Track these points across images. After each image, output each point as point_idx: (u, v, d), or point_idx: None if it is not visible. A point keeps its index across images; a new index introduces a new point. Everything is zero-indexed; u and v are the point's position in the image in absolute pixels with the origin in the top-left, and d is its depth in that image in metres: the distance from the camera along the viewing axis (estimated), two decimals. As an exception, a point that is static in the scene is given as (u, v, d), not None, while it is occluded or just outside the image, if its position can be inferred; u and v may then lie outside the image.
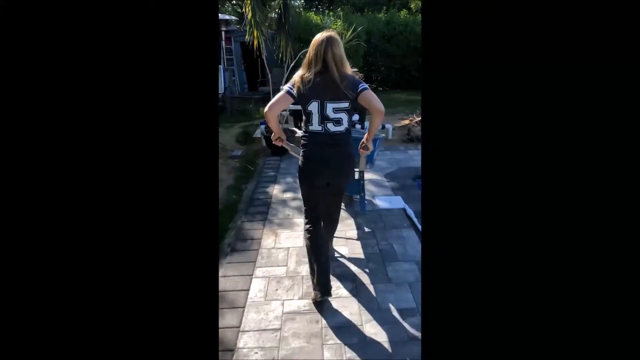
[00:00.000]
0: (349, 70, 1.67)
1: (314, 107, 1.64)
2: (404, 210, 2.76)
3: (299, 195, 2.14)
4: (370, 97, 1.60)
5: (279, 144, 1.87)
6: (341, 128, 1.67)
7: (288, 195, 3.08)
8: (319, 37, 1.64)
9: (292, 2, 6.02)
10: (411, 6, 10.36)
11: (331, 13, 8.08)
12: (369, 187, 3.19)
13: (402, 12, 9.22)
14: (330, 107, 1.63)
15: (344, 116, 1.66)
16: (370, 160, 2.48)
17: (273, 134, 1.82)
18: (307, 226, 1.83)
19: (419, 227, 2.46)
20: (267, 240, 2.39)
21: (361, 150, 1.79)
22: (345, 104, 1.63)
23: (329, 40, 1.61)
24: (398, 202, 2.90)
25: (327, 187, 1.77)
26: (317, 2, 10.84)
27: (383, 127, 4.66)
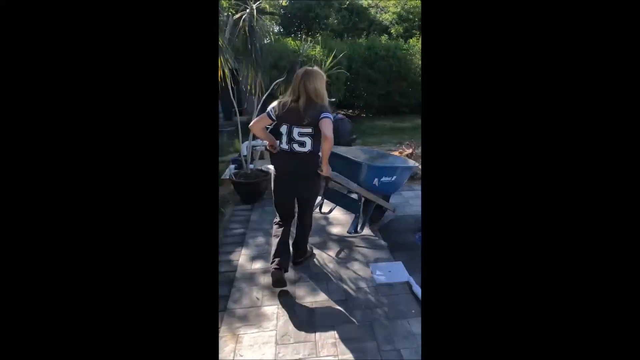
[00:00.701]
0: (325, 100, 1.97)
1: (283, 129, 1.96)
2: (409, 284, 2.12)
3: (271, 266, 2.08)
4: (322, 124, 1.86)
5: (274, 150, 2.07)
6: (305, 149, 1.96)
7: (257, 265, 2.37)
8: (300, 70, 1.96)
9: (269, 28, 5.58)
10: (391, 31, 10.15)
11: (310, 39, 7.69)
12: (359, 248, 2.55)
13: (382, 37, 8.94)
14: (296, 131, 1.93)
15: (307, 140, 1.94)
16: (366, 181, 2.41)
17: (268, 144, 2.08)
18: (277, 221, 2.18)
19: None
20: (224, 349, 1.68)
21: (319, 171, 2.00)
22: (309, 130, 1.92)
23: (304, 74, 1.93)
24: (399, 272, 2.26)
25: (293, 198, 2.14)
26: (295, 29, 10.52)
27: None
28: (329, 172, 2.02)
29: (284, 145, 1.97)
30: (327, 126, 1.84)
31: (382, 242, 2.64)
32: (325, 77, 1.98)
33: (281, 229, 2.11)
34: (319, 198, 2.71)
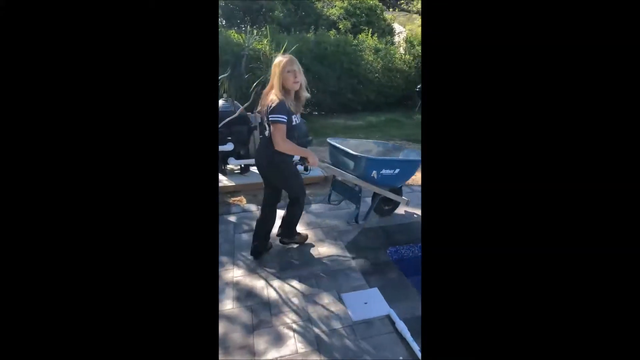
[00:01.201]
0: (276, 94, 1.94)
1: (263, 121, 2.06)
2: (390, 320, 1.80)
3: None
4: (272, 131, 1.96)
5: (315, 164, 2.12)
6: (266, 134, 2.04)
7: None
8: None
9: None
10: (339, 26, 9.90)
11: (255, 31, 7.15)
12: (328, 274, 2.18)
13: (331, 32, 8.65)
14: (265, 118, 2.02)
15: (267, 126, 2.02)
16: (364, 174, 2.43)
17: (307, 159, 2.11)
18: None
19: (418, 354, 1.53)
20: None
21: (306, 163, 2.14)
22: (265, 119, 2.01)
23: (276, 67, 1.97)
24: (377, 303, 1.92)
25: (267, 180, 2.24)
26: (238, 21, 9.84)
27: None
28: (315, 162, 2.11)
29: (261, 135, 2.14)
30: (274, 132, 1.93)
31: (352, 263, 2.30)
32: (285, 64, 1.92)
33: (260, 215, 2.29)
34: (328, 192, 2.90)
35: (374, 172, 2.42)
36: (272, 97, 1.93)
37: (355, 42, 8.04)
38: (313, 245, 2.48)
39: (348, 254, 2.40)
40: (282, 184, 2.21)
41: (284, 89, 1.94)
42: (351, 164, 2.46)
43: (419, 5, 12.18)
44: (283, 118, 1.90)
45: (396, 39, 10.67)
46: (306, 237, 2.51)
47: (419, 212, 2.99)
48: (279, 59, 1.95)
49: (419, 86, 8.04)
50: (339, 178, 2.63)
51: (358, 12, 10.41)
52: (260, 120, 2.19)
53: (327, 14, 10.64)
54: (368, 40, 8.23)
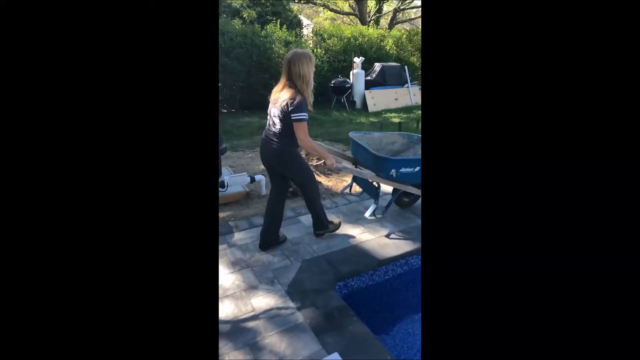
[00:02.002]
0: (309, 86, 2.00)
1: (269, 111, 2.08)
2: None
3: None
4: (295, 128, 1.97)
5: (332, 166, 2.23)
6: (274, 129, 2.04)
7: None
8: (286, 58, 2.00)
9: None
10: (244, 16, 9.10)
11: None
12: (271, 336, 1.63)
13: (235, 20, 7.85)
14: (273, 110, 2.01)
15: (277, 121, 2.00)
16: (384, 172, 2.45)
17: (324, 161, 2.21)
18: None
19: None
20: None
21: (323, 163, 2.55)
22: (279, 113, 1.96)
23: (289, 56, 1.97)
24: (342, 378, 1.46)
25: (273, 171, 2.24)
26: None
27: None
28: (331, 162, 2.20)
29: (267, 124, 2.10)
30: (297, 131, 1.96)
31: (299, 317, 1.79)
32: (313, 59, 1.98)
33: (268, 204, 2.30)
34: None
35: (393, 170, 2.44)
36: (292, 94, 1.91)
37: (263, 33, 7.40)
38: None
39: (291, 304, 1.88)
40: (295, 175, 2.20)
41: (305, 86, 1.95)
42: (371, 161, 2.49)
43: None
44: (305, 116, 1.94)
45: (304, 31, 10.30)
46: (339, 223, 2.56)
47: (354, 231, 2.62)
48: (304, 53, 1.94)
49: (333, 81, 7.80)
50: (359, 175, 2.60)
51: (263, 1, 9.72)
52: (269, 111, 2.06)
53: (229, 1, 9.70)
54: (277, 31, 7.66)
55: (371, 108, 7.58)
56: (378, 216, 2.66)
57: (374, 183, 2.62)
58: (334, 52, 8.34)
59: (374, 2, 11.97)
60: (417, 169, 2.50)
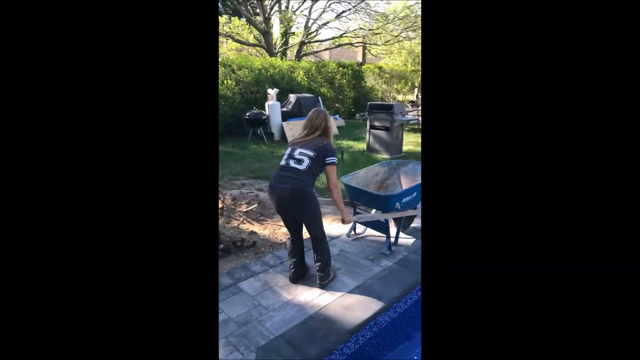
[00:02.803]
0: (328, 138, 2.18)
1: (287, 150, 2.19)
2: None
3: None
4: (328, 170, 2.14)
5: (349, 221, 2.35)
6: (300, 167, 2.08)
7: None
8: (320, 110, 2.24)
9: None
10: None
11: None
12: None
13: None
14: (298, 151, 2.12)
15: (305, 159, 2.09)
16: (390, 208, 2.59)
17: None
18: (289, 236, 2.26)
19: None
20: None
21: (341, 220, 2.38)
22: (311, 153, 2.09)
23: (326, 114, 2.21)
24: None
25: (288, 213, 2.20)
26: None
27: None
28: (349, 219, 2.32)
29: (282, 162, 2.12)
30: (332, 173, 2.13)
31: None
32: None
33: (291, 244, 2.27)
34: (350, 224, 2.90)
35: (397, 203, 2.58)
36: (328, 141, 2.14)
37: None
38: None
39: None
40: (308, 219, 2.16)
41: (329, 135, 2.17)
42: (375, 201, 2.62)
43: (231, 28, 11.70)
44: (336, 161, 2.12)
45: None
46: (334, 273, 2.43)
47: (309, 294, 2.23)
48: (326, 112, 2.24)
49: (248, 113, 7.40)
50: (364, 218, 2.75)
51: None
52: (291, 151, 2.15)
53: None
54: (181, 62, 7.02)
55: (290, 139, 7.34)
56: (393, 249, 2.73)
57: (382, 219, 2.75)
58: (245, 84, 7.99)
59: (280, 35, 12.10)
60: (415, 194, 2.73)
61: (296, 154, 2.09)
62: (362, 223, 2.95)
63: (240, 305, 2.06)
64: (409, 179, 3.12)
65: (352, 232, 2.99)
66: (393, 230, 2.85)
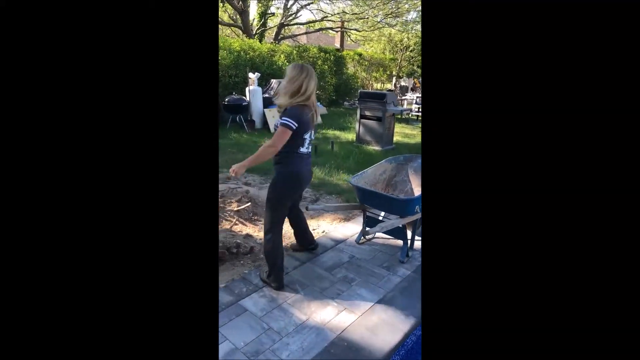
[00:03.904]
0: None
1: (307, 135, 1.88)
2: None
3: None
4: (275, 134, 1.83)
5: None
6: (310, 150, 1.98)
7: None
8: (304, 67, 1.84)
9: None
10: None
11: None
12: None
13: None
14: (311, 133, 1.93)
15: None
16: (410, 211, 2.39)
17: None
18: (274, 235, 1.97)
19: None
20: None
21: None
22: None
23: (311, 71, 1.84)
24: None
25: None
26: None
27: None
28: (235, 172, 1.86)
29: (304, 149, 1.89)
30: (279, 136, 1.81)
31: None
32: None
33: (280, 241, 2.03)
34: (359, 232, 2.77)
35: (417, 206, 2.39)
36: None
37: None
38: None
39: None
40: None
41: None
42: (393, 205, 2.42)
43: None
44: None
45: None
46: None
47: (326, 313, 1.95)
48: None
49: (226, 99, 6.88)
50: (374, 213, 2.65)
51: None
52: (309, 131, 1.88)
53: None
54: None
55: (272, 128, 6.93)
56: (410, 254, 2.52)
57: (400, 225, 2.56)
58: (223, 67, 7.43)
59: (258, 15, 11.41)
60: None
61: (311, 137, 1.93)
62: (383, 232, 2.66)
63: (247, 330, 1.75)
64: (418, 176, 2.88)
65: (362, 238, 2.71)
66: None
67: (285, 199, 1.96)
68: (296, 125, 1.76)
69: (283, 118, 1.77)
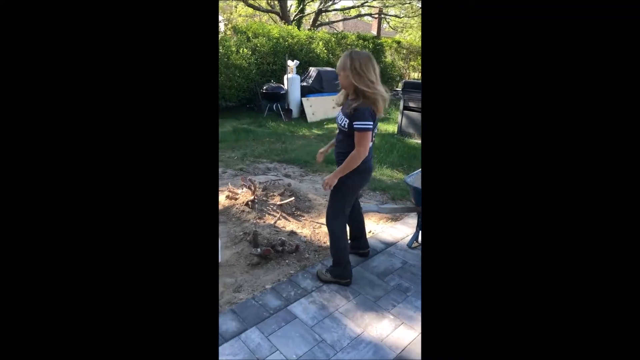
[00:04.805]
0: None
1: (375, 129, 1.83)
2: None
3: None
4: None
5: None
6: None
7: None
8: (363, 53, 1.71)
9: None
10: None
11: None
12: None
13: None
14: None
15: None
16: None
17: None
18: (339, 224, 1.95)
19: None
20: None
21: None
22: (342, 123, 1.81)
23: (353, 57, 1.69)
24: None
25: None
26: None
27: None
28: (328, 183, 1.85)
29: (369, 144, 1.80)
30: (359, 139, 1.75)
31: None
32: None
33: (343, 225, 2.00)
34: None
35: None
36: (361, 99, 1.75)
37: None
38: None
39: None
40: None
41: None
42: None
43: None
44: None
45: (221, 27, 9.01)
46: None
47: (380, 326, 1.78)
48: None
49: (265, 87, 6.78)
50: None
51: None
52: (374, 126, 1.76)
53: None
54: (194, 25, 6.32)
55: (310, 117, 6.78)
56: (419, 243, 2.44)
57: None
58: (261, 53, 7.31)
59: (296, 1, 11.17)
60: None
61: (375, 128, 1.83)
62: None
63: (298, 341, 1.62)
64: None
65: (415, 242, 2.51)
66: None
67: (352, 190, 1.90)
68: (372, 124, 1.71)
69: (357, 123, 1.67)
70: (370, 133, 1.70)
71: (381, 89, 1.70)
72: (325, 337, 1.65)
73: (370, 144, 1.77)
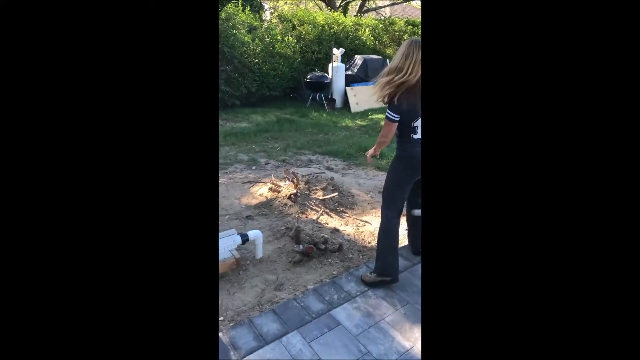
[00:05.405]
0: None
1: (418, 122, 1.79)
2: None
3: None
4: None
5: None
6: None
7: None
8: (412, 40, 1.70)
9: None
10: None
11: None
12: None
13: None
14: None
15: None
16: None
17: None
18: (393, 219, 1.92)
19: None
20: None
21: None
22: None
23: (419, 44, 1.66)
24: None
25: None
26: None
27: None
28: (371, 154, 2.04)
29: (417, 136, 1.83)
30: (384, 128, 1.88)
31: None
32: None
33: (397, 228, 1.95)
34: None
35: None
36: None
37: (223, 15, 6.04)
38: None
39: None
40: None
41: None
42: None
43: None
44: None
45: (267, 16, 8.99)
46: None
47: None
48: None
49: (309, 76, 6.67)
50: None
51: (218, -23, 8.22)
52: (417, 118, 1.78)
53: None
54: (241, 14, 6.33)
55: (354, 107, 6.59)
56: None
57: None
58: (306, 42, 7.20)
59: (342, -14, 10.89)
60: None
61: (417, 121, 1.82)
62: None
63: (342, 351, 1.52)
64: None
65: None
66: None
67: (402, 181, 1.92)
68: (397, 116, 1.76)
69: (387, 111, 1.80)
70: (390, 123, 1.78)
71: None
72: (371, 349, 1.54)
73: (417, 136, 1.84)
